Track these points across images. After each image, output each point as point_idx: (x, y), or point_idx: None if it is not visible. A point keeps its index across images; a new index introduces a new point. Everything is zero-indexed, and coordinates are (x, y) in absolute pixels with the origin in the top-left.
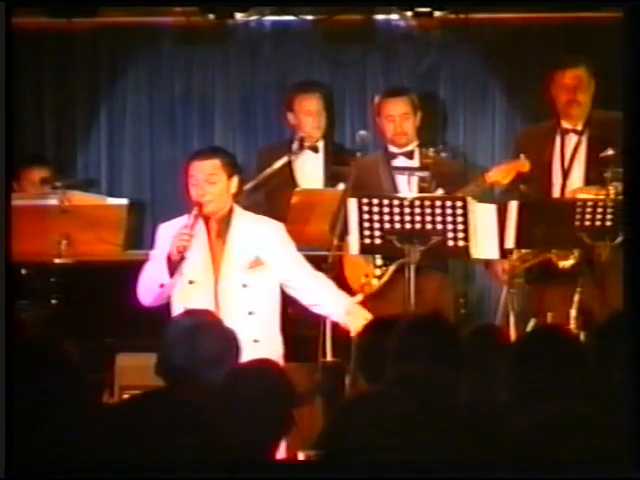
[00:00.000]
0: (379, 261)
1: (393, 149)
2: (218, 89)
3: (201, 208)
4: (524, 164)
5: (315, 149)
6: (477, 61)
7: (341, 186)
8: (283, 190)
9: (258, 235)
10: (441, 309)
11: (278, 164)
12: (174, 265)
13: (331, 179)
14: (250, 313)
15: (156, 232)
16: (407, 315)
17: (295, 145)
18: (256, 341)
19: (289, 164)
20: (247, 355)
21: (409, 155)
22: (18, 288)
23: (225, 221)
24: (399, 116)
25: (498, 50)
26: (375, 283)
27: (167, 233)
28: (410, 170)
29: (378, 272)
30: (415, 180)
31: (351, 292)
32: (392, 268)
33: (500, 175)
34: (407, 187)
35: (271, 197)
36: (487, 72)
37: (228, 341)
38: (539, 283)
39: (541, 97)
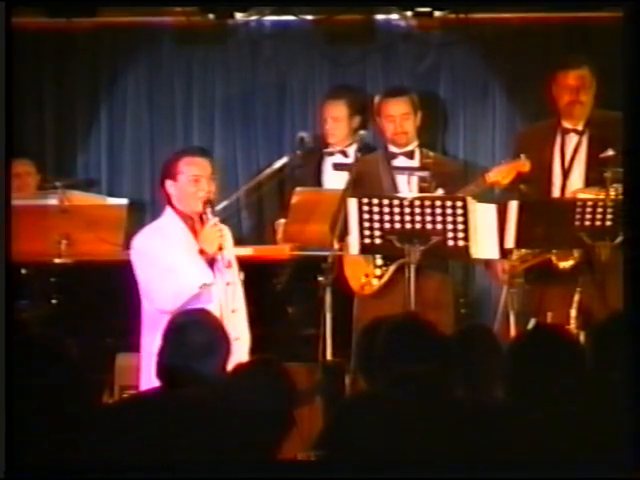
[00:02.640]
0: (379, 261)
1: (393, 149)
2: (218, 89)
3: (212, 203)
4: (524, 164)
5: (345, 154)
6: (477, 61)
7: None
8: None
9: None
10: (439, 308)
11: (278, 164)
12: (213, 263)
13: None
14: (233, 311)
15: (141, 244)
16: (387, 318)
17: (300, 145)
18: (237, 339)
19: (318, 167)
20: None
21: (409, 155)
22: (18, 288)
23: (202, 221)
24: (399, 116)
25: (498, 50)
26: (375, 283)
27: (158, 240)
28: (410, 170)
29: (378, 272)
30: (415, 180)
31: (352, 292)
32: (392, 268)
33: (500, 175)
34: (407, 187)
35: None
36: (487, 72)
37: (215, 332)
38: (539, 283)
39: (541, 97)
